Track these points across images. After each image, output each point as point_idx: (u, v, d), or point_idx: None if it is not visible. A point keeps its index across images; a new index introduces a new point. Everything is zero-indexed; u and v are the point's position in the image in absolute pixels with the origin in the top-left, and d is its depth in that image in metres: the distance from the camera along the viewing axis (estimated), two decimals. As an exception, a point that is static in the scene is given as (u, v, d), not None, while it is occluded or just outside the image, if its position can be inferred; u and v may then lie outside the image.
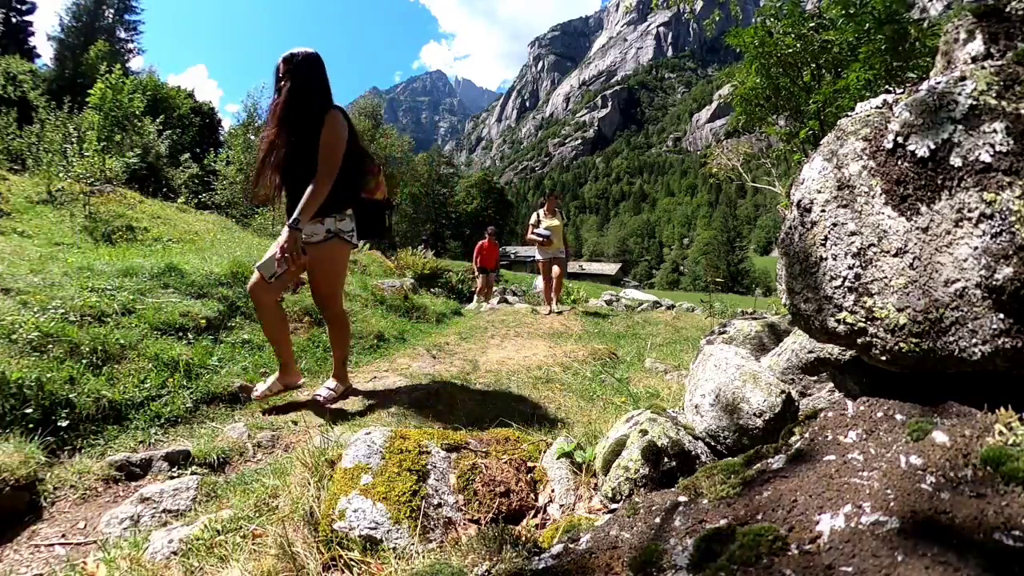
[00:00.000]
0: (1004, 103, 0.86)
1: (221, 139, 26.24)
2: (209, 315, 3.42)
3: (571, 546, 1.01)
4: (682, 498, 1.01)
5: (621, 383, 3.17)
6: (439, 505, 1.35)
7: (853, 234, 0.99)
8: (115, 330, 2.80)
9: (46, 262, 3.68)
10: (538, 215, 7.23)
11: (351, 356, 3.91)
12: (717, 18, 6.89)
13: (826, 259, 1.03)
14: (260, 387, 2.66)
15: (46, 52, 42.01)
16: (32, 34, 30.61)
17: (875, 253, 0.96)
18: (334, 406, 2.71)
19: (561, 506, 1.38)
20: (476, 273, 10.33)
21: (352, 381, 2.99)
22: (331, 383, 2.82)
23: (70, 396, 2.24)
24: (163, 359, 2.74)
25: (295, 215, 2.35)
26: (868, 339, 0.99)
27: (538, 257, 7.30)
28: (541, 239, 6.98)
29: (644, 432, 1.35)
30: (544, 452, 1.62)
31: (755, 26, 5.96)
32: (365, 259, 8.58)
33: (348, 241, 2.63)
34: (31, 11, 30.51)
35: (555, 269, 7.11)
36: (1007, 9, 1.04)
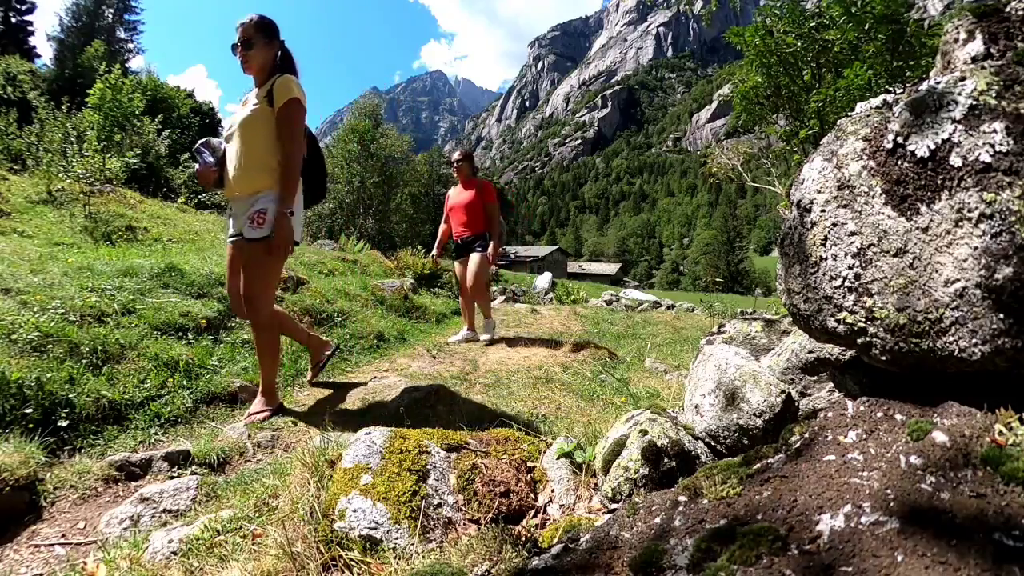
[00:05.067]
0: (1004, 103, 0.86)
1: (221, 139, 26.21)
2: (209, 315, 3.42)
3: (571, 546, 1.01)
4: (682, 498, 1.01)
5: (621, 383, 3.16)
6: (439, 505, 1.35)
7: (853, 234, 0.99)
8: (115, 330, 2.80)
9: (46, 262, 3.68)
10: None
11: (351, 356, 3.91)
12: (714, 7, 6.82)
13: (826, 259, 1.03)
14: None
15: (46, 52, 42.07)
16: (32, 34, 30.61)
17: (875, 253, 0.96)
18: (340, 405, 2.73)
19: (561, 506, 1.38)
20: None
21: (352, 380, 3.00)
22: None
23: (70, 396, 2.24)
24: (163, 359, 2.74)
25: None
26: (868, 339, 0.98)
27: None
28: (201, 166, 2.57)
29: (644, 432, 1.34)
30: (544, 452, 1.62)
31: (756, 25, 5.96)
32: (365, 259, 8.56)
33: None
34: (31, 11, 30.49)
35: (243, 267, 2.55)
36: (1007, 9, 1.03)
